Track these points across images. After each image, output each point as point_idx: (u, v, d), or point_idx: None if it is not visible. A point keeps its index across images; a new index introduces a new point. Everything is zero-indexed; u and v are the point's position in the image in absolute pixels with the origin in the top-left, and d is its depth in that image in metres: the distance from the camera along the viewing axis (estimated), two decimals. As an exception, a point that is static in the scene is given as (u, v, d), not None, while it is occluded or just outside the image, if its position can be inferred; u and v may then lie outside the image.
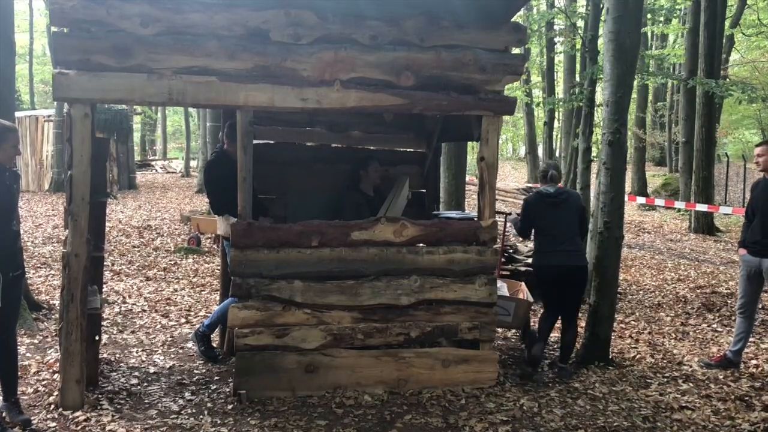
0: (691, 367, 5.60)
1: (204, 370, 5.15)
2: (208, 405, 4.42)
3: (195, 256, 10.22)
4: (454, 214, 6.61)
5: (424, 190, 6.76)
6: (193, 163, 26.65)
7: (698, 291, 9.03)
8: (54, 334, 5.80)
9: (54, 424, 4.01)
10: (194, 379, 4.95)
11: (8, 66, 6.42)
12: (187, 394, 4.61)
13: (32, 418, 4.03)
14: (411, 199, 6.57)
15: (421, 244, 4.82)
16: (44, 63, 31.38)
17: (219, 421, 4.14)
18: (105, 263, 5.36)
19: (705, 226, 15.50)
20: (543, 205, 5.31)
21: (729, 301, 8.25)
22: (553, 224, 5.27)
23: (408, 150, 7.09)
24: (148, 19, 4.23)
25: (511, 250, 8.60)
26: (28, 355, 5.25)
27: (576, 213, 5.32)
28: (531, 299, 5.97)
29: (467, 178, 12.01)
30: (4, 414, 3.98)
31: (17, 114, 9.77)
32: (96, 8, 4.17)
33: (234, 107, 4.56)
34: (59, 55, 4.23)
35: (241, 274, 4.50)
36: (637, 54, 6.24)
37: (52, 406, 4.24)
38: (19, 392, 4.17)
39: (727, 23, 17.70)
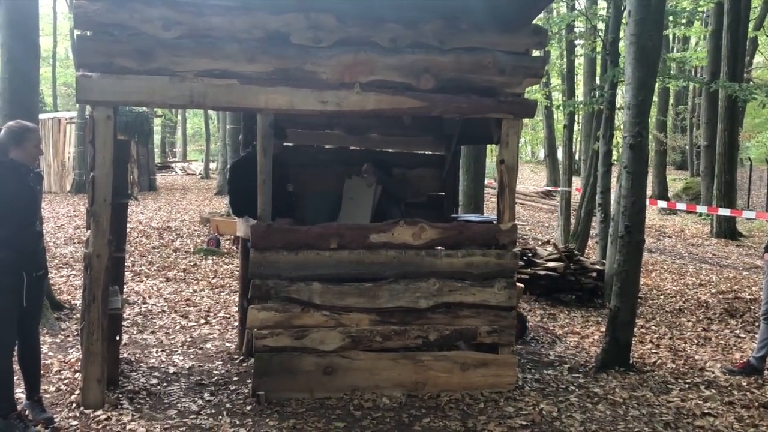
0: (713, 373, 5.53)
1: (223, 371, 5.18)
2: (227, 405, 4.44)
3: (214, 257, 10.29)
4: (473, 217, 6.60)
5: (443, 193, 6.75)
6: (212, 165, 26.81)
7: (720, 296, 8.92)
8: (75, 333, 5.86)
9: (76, 422, 4.06)
10: (213, 379, 4.98)
11: (33, 70, 6.51)
12: (206, 395, 4.63)
13: (54, 416, 4.07)
14: (429, 202, 6.58)
15: (439, 247, 4.81)
16: (67, 66, 31.71)
17: (238, 422, 4.16)
18: (126, 264, 5.40)
19: (727, 230, 15.32)
20: None
21: (752, 307, 8.14)
22: None
23: (427, 153, 7.09)
24: (169, 23, 4.27)
25: (530, 254, 8.56)
26: (50, 354, 5.31)
27: None
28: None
29: (486, 181, 11.96)
30: (27, 412, 4.03)
31: (40, 116, 9.92)
32: (119, 12, 4.21)
33: (254, 110, 4.59)
34: (82, 57, 4.28)
35: (260, 276, 4.51)
36: (659, 57, 6.20)
37: (74, 405, 4.28)
38: (41, 391, 4.22)
39: (750, 25, 17.48)
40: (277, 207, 4.99)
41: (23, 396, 4.15)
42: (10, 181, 3.83)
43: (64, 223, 12.82)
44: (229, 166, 5.18)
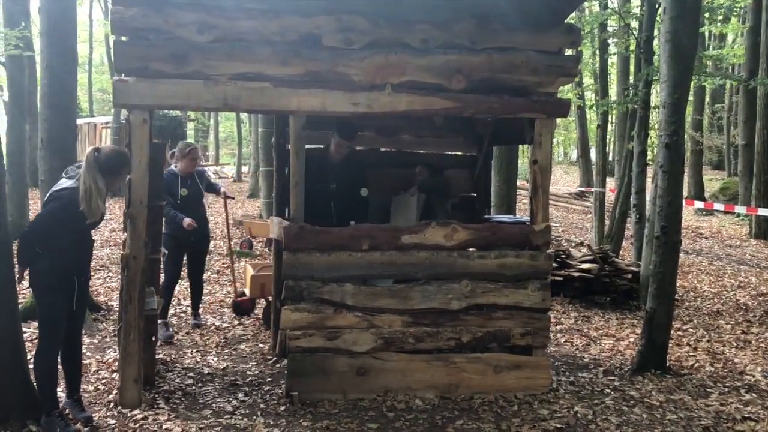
0: (753, 377, 5.40)
1: (257, 372, 5.22)
2: (261, 406, 4.48)
3: (247, 259, 10.37)
4: (505, 218, 6.57)
5: (475, 194, 6.71)
6: (244, 169, 27.06)
7: (760, 299, 8.72)
8: (112, 334, 5.96)
9: (113, 421, 4.13)
10: (247, 380, 5.02)
11: (70, 75, 6.66)
12: (240, 395, 4.67)
13: (93, 415, 4.15)
14: (461, 203, 6.57)
15: (472, 249, 4.78)
16: (102, 72, 32.34)
17: (272, 422, 4.18)
18: (161, 266, 5.49)
19: (767, 231, 14.96)
20: None
21: (793, 309, 7.94)
22: None
23: (458, 154, 7.06)
24: (203, 27, 4.32)
25: (563, 255, 8.47)
26: (88, 354, 5.41)
27: None
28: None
29: (518, 182, 11.87)
30: (67, 410, 4.11)
31: (77, 121, 10.17)
32: (154, 17, 4.28)
33: (287, 112, 4.62)
34: (119, 62, 4.35)
35: (293, 277, 4.54)
36: (695, 54, 6.08)
37: (112, 404, 4.36)
38: (80, 390, 4.31)
39: (790, 21, 17.02)
40: (350, 211, 5.28)
41: (63, 395, 4.24)
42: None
43: (100, 226, 13.02)
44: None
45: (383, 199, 6.30)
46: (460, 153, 7.08)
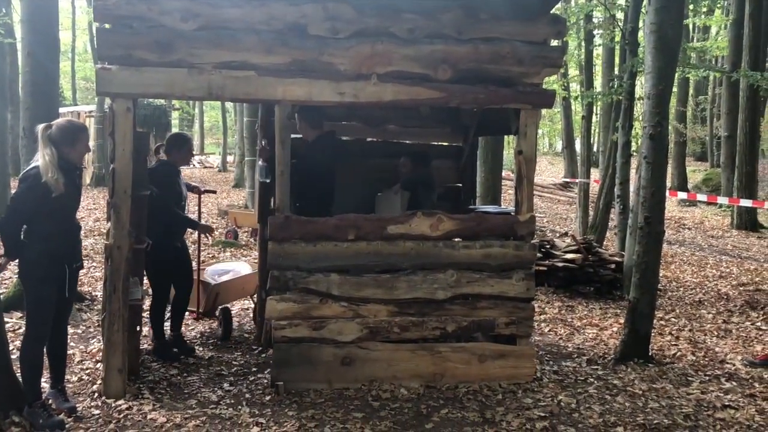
0: (734, 365, 5.48)
1: (242, 362, 5.21)
2: (247, 396, 4.48)
3: (232, 249, 10.35)
4: (490, 208, 6.58)
5: (461, 184, 6.73)
6: (229, 158, 26.94)
7: (741, 288, 8.83)
8: (97, 324, 5.93)
9: (98, 411, 4.11)
10: (233, 370, 5.01)
11: (53, 63, 6.58)
12: (225, 385, 4.67)
13: (77, 405, 4.13)
14: (446, 193, 6.57)
15: (457, 239, 4.80)
16: (85, 60, 31.92)
17: (257, 412, 4.19)
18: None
19: (748, 222, 15.14)
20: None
21: (773, 299, 8.05)
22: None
23: (444, 144, 7.07)
24: (188, 15, 4.29)
25: (548, 245, 8.52)
26: (72, 344, 5.36)
27: None
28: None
29: (504, 173, 11.91)
30: (50, 401, 4.09)
31: (60, 110, 10.01)
32: (138, 4, 4.24)
33: (272, 101, 4.60)
34: (102, 50, 4.31)
35: (278, 267, 4.53)
36: (680, 46, 6.12)
37: (96, 395, 4.34)
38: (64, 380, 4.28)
39: (772, 14, 17.16)
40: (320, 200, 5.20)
41: (47, 385, 4.21)
42: (64, 179, 3.91)
43: (84, 215, 12.93)
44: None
45: (369, 190, 6.26)
46: (445, 143, 7.08)
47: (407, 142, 6.86)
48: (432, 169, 6.34)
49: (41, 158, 3.87)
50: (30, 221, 3.89)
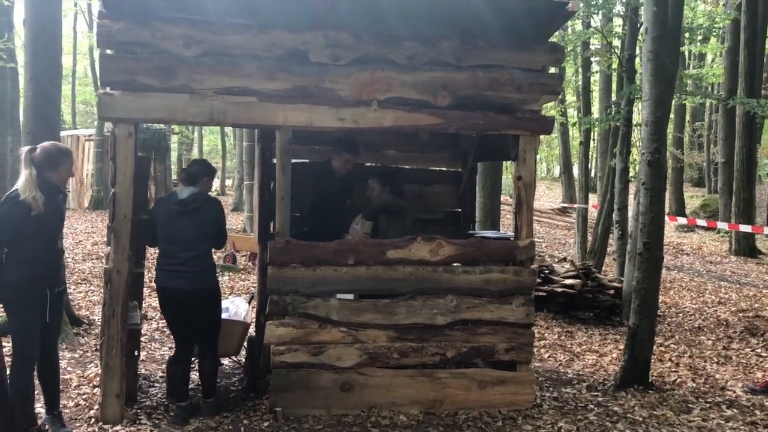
0: (734, 392, 5.45)
1: (240, 387, 5.17)
2: (245, 422, 4.44)
3: (231, 273, 10.32)
4: (490, 233, 6.58)
5: (460, 210, 6.74)
6: (228, 182, 27.00)
7: (740, 314, 8.81)
8: (94, 348, 5.89)
9: (94, 437, 4.07)
10: (231, 395, 4.97)
11: (55, 87, 6.63)
12: (223, 411, 4.62)
13: (73, 431, 4.09)
14: (446, 219, 6.56)
15: (457, 264, 4.80)
16: (86, 84, 32.07)
17: (255, 438, 4.15)
18: (144, 279, 5.43)
19: (746, 248, 15.17)
20: (168, 213, 4.52)
21: (773, 325, 8.03)
22: (171, 236, 4.49)
23: (443, 169, 7.09)
24: (190, 41, 4.33)
25: (547, 271, 8.51)
26: (69, 369, 5.34)
27: (209, 224, 4.57)
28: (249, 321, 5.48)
29: (503, 198, 11.93)
30: (47, 426, 4.05)
31: (60, 133, 10.05)
32: (140, 30, 4.29)
33: (273, 127, 4.63)
34: (105, 75, 4.35)
35: (278, 292, 4.53)
36: (676, 73, 6.19)
37: (93, 420, 4.30)
38: (61, 405, 4.25)
39: (768, 41, 17.36)
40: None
41: (43, 411, 4.18)
42: (46, 202, 3.90)
43: (82, 239, 12.93)
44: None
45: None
46: (445, 168, 7.11)
47: (407, 167, 6.88)
48: (401, 190, 5.90)
49: (21, 178, 3.89)
50: (11, 244, 3.86)
